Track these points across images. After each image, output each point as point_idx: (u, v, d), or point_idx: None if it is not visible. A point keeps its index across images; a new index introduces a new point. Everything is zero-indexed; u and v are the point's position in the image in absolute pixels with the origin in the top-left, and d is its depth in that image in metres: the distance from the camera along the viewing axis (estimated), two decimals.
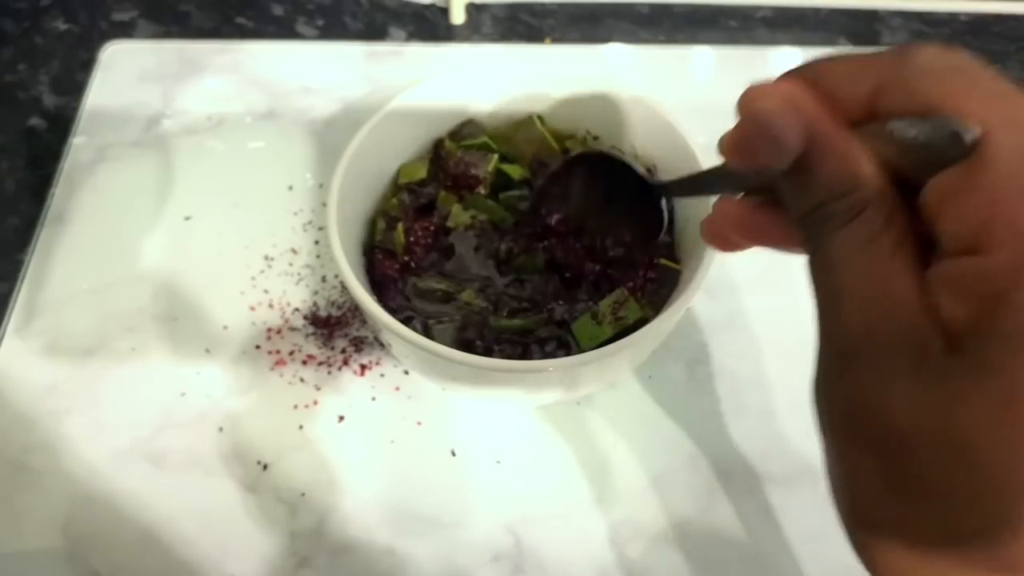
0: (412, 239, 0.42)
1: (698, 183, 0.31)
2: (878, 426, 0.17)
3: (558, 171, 0.40)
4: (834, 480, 0.19)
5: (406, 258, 0.41)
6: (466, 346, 0.39)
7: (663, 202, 0.36)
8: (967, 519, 0.16)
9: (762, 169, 0.20)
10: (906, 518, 0.17)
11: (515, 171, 0.44)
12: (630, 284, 0.40)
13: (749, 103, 0.19)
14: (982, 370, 0.15)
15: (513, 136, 0.45)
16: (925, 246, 0.18)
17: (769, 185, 0.21)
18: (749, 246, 0.23)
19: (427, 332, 0.39)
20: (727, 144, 0.20)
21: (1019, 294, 0.15)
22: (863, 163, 0.18)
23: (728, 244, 0.24)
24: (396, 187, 0.44)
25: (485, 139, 0.44)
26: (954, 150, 0.16)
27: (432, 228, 0.42)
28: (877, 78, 0.18)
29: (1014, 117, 0.16)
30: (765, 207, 0.22)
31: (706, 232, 0.24)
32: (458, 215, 0.42)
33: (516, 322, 0.39)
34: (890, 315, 0.17)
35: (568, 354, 0.38)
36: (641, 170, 0.36)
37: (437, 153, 0.45)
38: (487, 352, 0.39)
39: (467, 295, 0.40)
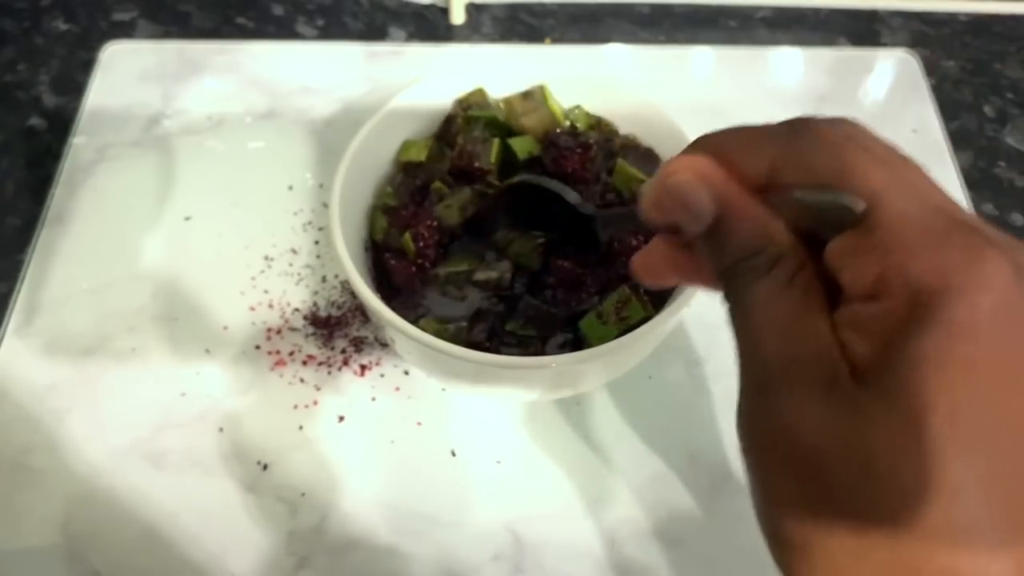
0: (421, 244, 0.41)
1: (627, 219, 0.35)
2: (794, 445, 0.19)
3: (495, 199, 0.41)
4: (756, 497, 0.21)
5: (420, 260, 0.41)
6: (474, 346, 0.39)
7: (598, 229, 0.37)
8: (875, 523, 0.18)
9: (677, 228, 0.23)
10: (820, 526, 0.19)
11: (523, 147, 0.43)
12: (631, 283, 0.40)
13: (666, 176, 0.22)
14: (883, 396, 0.18)
15: (519, 107, 0.44)
16: (832, 291, 0.20)
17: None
18: (675, 282, 0.26)
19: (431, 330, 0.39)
20: (647, 202, 0.23)
21: (908, 333, 0.18)
22: (773, 224, 0.21)
23: (655, 278, 0.27)
24: (396, 164, 0.44)
25: (493, 113, 0.44)
26: (847, 218, 0.19)
27: (435, 225, 0.42)
28: (772, 155, 0.21)
29: (898, 181, 0.19)
30: (692, 248, 0.24)
31: (636, 264, 0.27)
32: (447, 214, 0.42)
33: (529, 332, 0.39)
34: (803, 349, 0.19)
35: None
36: (574, 199, 0.38)
37: (447, 129, 0.44)
38: (495, 351, 0.39)
39: (485, 274, 0.40)
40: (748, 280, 0.21)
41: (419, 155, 0.44)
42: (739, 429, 0.21)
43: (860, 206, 0.19)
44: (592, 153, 0.42)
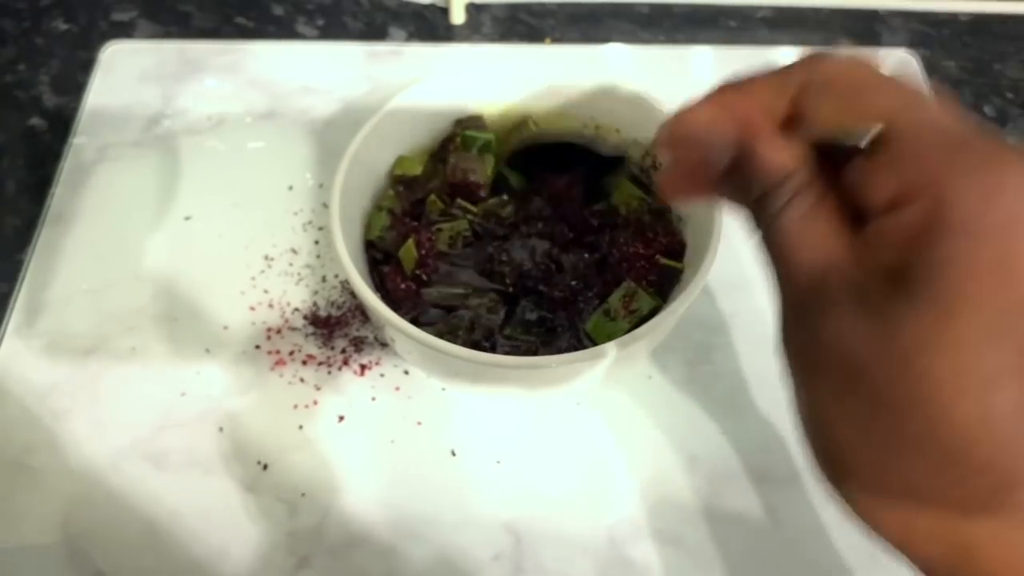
0: (424, 252, 0.41)
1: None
2: (835, 356, 0.20)
3: (507, 160, 0.42)
4: (804, 416, 0.22)
5: (418, 271, 0.41)
6: (474, 346, 0.39)
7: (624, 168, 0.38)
8: (918, 423, 0.19)
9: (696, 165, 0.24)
10: (866, 431, 0.20)
11: (517, 179, 0.44)
12: (634, 276, 0.40)
13: (687, 114, 0.23)
14: (912, 299, 0.19)
15: (508, 139, 0.45)
16: (854, 216, 0.21)
17: None
18: (704, 199, 0.27)
19: (436, 331, 0.39)
20: (665, 141, 0.25)
21: (932, 237, 0.18)
22: (794, 156, 0.22)
23: (682, 194, 0.27)
24: (392, 178, 0.44)
25: (490, 138, 0.44)
26: (865, 146, 0.21)
27: (434, 239, 0.42)
28: (793, 91, 0.22)
29: (913, 102, 0.21)
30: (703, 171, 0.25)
31: (664, 183, 0.27)
32: (438, 238, 0.42)
33: (529, 337, 0.40)
34: (834, 267, 0.20)
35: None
36: (591, 143, 0.39)
37: (444, 147, 0.45)
38: (495, 349, 0.39)
39: (480, 302, 0.40)
40: (776, 209, 0.22)
41: (414, 169, 0.44)
42: (783, 349, 0.22)
43: (875, 132, 0.20)
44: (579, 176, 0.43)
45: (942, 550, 0.20)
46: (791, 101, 0.22)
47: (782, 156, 0.22)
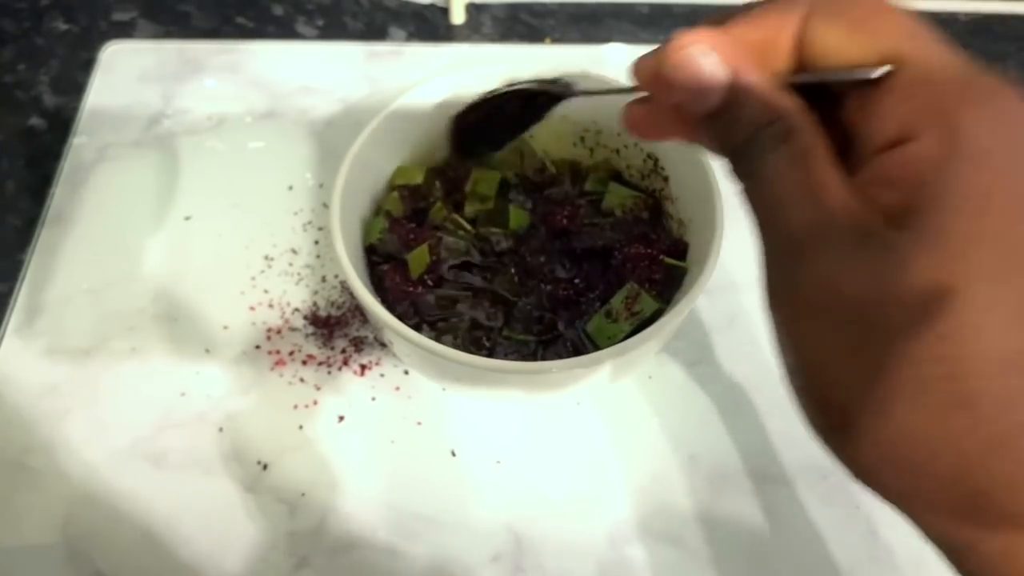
0: (435, 258, 0.41)
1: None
2: (836, 301, 0.19)
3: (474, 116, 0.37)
4: (796, 366, 0.21)
5: (425, 276, 0.41)
6: (474, 344, 0.39)
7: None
8: (930, 363, 0.17)
9: (678, 104, 0.22)
10: (875, 380, 0.18)
11: (517, 217, 0.44)
12: (637, 278, 0.40)
13: (675, 50, 0.22)
14: (924, 235, 0.18)
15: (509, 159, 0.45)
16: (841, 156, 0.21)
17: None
18: (671, 139, 0.26)
19: (436, 336, 0.39)
20: (644, 77, 0.23)
21: (944, 170, 0.17)
22: (783, 94, 0.21)
23: (649, 133, 0.26)
24: (391, 187, 0.44)
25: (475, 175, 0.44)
26: (873, 72, 0.20)
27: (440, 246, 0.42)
28: (796, 19, 0.21)
29: (917, 33, 0.20)
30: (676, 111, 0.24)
31: (629, 118, 0.26)
32: (450, 246, 0.42)
33: (528, 337, 0.39)
34: (832, 208, 0.19)
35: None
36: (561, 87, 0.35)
37: (445, 173, 0.45)
38: (495, 354, 0.39)
39: (480, 302, 0.40)
40: (763, 153, 0.20)
41: (415, 178, 0.44)
42: (771, 301, 0.21)
43: (885, 68, 0.19)
44: (580, 209, 0.43)
45: (950, 503, 0.18)
46: (793, 32, 0.21)
47: (775, 95, 0.21)
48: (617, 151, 0.45)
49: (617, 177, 0.45)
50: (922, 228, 0.18)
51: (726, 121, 0.21)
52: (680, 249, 0.41)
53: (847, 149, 0.21)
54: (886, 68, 0.19)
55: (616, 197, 0.43)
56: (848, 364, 0.19)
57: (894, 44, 0.19)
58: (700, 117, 0.22)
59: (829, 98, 0.21)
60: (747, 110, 0.21)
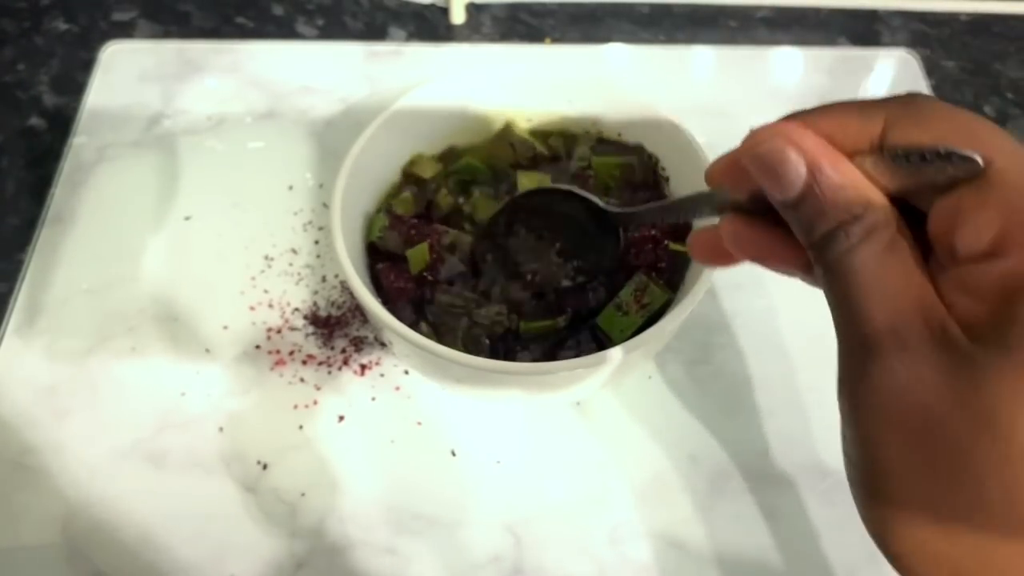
0: (435, 256, 0.41)
1: (668, 210, 0.33)
2: (906, 405, 0.19)
3: (505, 209, 0.40)
4: (858, 466, 0.21)
5: (425, 273, 0.41)
6: (474, 343, 0.39)
7: (619, 231, 0.37)
8: (992, 486, 0.18)
9: (758, 197, 0.22)
10: (933, 492, 0.19)
11: (531, 180, 0.44)
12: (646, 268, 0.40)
13: (756, 143, 0.22)
14: (1005, 352, 0.18)
15: (491, 148, 0.45)
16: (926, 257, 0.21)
17: (760, 207, 0.23)
18: (738, 262, 0.26)
19: (436, 336, 0.39)
20: (720, 171, 0.24)
21: None
22: (870, 188, 0.21)
23: (719, 259, 0.27)
24: (404, 175, 0.44)
25: (468, 160, 0.44)
26: (964, 171, 0.19)
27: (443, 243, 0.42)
28: (886, 118, 0.21)
29: (1011, 147, 0.20)
30: (765, 225, 0.24)
31: (693, 243, 0.27)
32: (451, 242, 0.41)
33: (544, 323, 0.39)
34: (913, 310, 0.19)
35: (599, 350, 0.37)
36: (598, 201, 0.37)
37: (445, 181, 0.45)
38: (506, 355, 0.38)
39: (488, 311, 0.40)
40: (846, 247, 0.20)
41: (424, 172, 0.44)
42: (843, 396, 0.21)
43: (980, 160, 0.19)
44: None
45: None
46: (886, 124, 0.21)
47: (863, 187, 0.21)
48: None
49: (602, 141, 0.45)
50: (1003, 347, 0.18)
51: (810, 211, 0.21)
52: (684, 231, 0.41)
53: (927, 254, 0.21)
54: (979, 160, 0.19)
55: (604, 168, 0.43)
56: (909, 468, 0.19)
57: (988, 152, 0.19)
58: (781, 207, 0.22)
59: (909, 205, 0.21)
60: (831, 202, 0.21)
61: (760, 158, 0.22)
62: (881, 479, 0.20)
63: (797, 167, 0.21)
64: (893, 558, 0.20)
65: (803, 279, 0.25)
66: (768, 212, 0.23)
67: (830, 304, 0.21)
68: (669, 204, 0.33)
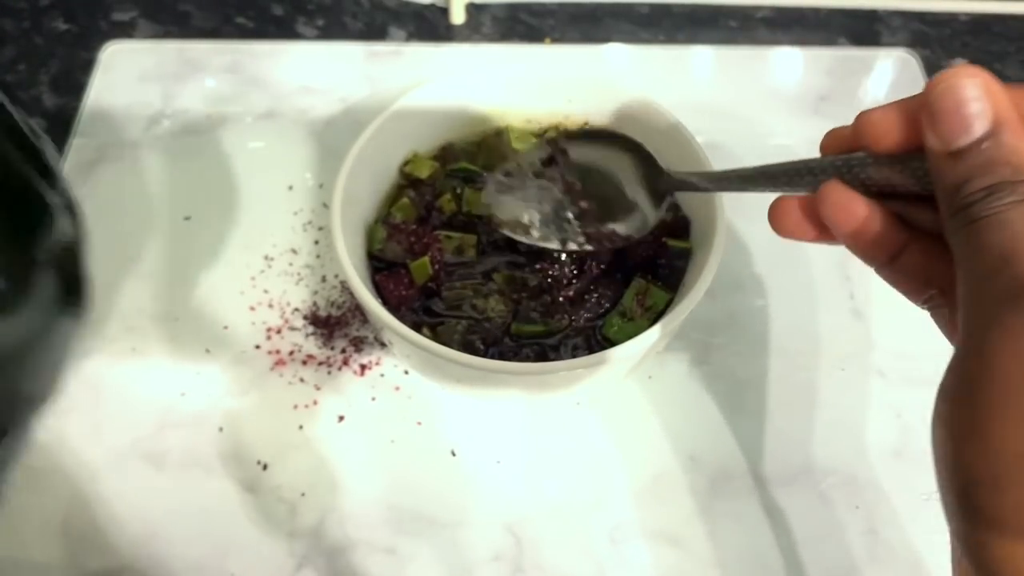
0: (437, 267, 0.40)
1: (750, 180, 0.29)
2: None
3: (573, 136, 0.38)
4: (951, 463, 0.20)
5: (430, 284, 0.40)
6: (476, 348, 0.39)
7: (665, 199, 0.35)
8: None
9: (914, 153, 0.23)
10: None
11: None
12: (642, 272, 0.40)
13: (939, 83, 0.22)
14: None
15: (483, 151, 0.45)
16: None
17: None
18: (821, 239, 0.27)
19: (435, 336, 0.39)
20: (889, 119, 0.24)
21: None
22: None
23: (804, 232, 0.27)
24: (402, 175, 0.44)
25: (463, 163, 0.44)
26: None
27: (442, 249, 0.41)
28: None
29: None
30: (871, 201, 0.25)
31: (784, 217, 0.27)
32: (446, 244, 0.41)
33: (537, 327, 0.39)
34: None
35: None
36: (658, 160, 0.35)
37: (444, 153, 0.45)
38: (500, 355, 0.38)
39: (491, 302, 0.40)
40: (1010, 201, 0.21)
41: (421, 172, 0.44)
42: (969, 357, 0.20)
43: None
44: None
45: None
46: None
47: None
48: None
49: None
50: None
51: (976, 162, 0.22)
52: (681, 226, 0.41)
53: None
54: None
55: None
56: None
57: None
58: (935, 155, 0.23)
59: None
60: (1006, 159, 0.21)
61: (947, 95, 0.22)
62: (987, 485, 0.19)
63: (982, 117, 0.22)
64: (975, 559, 0.19)
65: (878, 269, 0.25)
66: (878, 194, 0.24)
67: (968, 259, 0.21)
68: (763, 170, 0.29)
